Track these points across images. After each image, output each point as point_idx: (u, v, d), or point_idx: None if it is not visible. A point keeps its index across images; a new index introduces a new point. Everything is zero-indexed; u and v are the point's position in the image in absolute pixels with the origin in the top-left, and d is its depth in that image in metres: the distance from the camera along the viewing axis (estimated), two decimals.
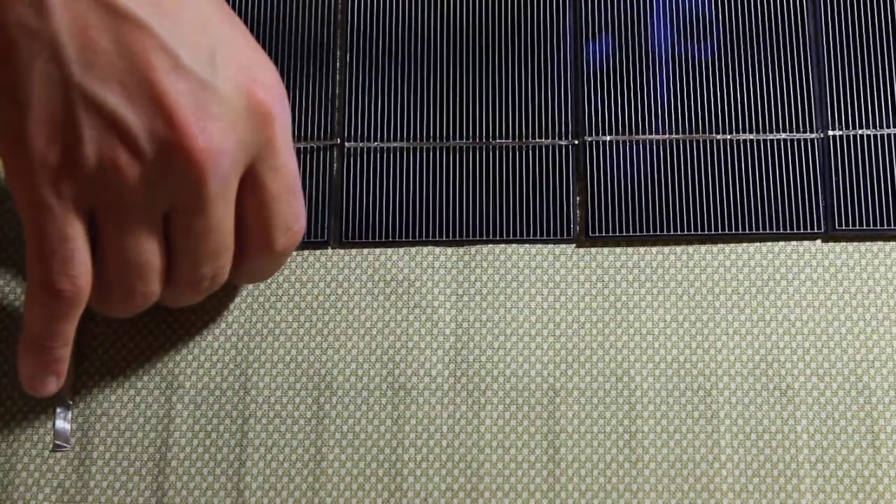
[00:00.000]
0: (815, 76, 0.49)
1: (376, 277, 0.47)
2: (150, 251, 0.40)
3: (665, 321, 0.46)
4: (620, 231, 0.47)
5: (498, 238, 0.47)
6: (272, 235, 0.42)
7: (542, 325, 0.46)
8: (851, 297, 0.46)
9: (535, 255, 0.47)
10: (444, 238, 0.48)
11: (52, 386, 0.42)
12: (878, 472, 0.44)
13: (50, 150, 0.38)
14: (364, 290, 0.47)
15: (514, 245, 0.48)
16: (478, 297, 0.47)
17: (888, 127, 0.48)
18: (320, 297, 0.47)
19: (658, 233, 0.47)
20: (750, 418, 0.45)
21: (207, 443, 0.45)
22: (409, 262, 0.48)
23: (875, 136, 0.48)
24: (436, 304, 0.47)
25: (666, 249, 0.47)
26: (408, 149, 0.48)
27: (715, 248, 0.47)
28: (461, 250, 0.48)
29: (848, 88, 0.48)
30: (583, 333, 0.46)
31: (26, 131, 0.37)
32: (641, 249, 0.47)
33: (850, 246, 0.47)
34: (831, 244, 0.47)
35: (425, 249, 0.48)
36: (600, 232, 0.47)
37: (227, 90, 0.39)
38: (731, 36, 0.49)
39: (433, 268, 0.47)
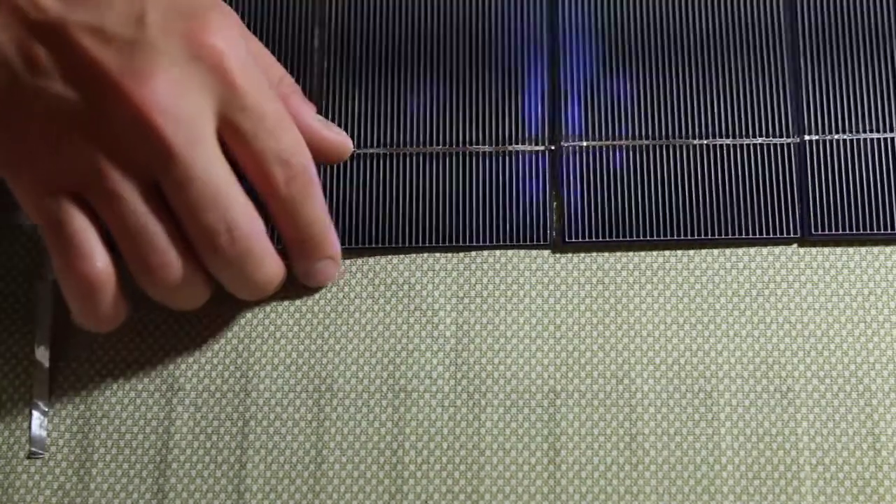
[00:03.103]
0: (790, 81, 0.49)
1: (377, 281, 0.47)
2: (145, 216, 0.41)
3: (665, 324, 0.46)
4: (597, 237, 0.47)
5: (477, 244, 0.47)
6: (267, 173, 0.42)
7: (542, 327, 0.46)
8: (852, 300, 0.46)
9: (535, 258, 0.47)
10: (423, 245, 0.47)
11: (115, 323, 0.44)
12: (879, 474, 0.44)
13: (15, 152, 0.41)
14: (364, 294, 0.47)
15: (514, 249, 0.48)
16: (478, 300, 0.47)
17: (864, 132, 0.48)
18: (321, 301, 0.47)
19: (634, 238, 0.47)
20: (750, 420, 0.45)
21: (208, 445, 0.45)
22: (409, 266, 0.48)
23: (851, 140, 0.48)
24: (436, 307, 0.47)
25: (666, 252, 0.47)
26: (386, 155, 0.49)
27: (715, 251, 0.47)
28: (461, 254, 0.48)
29: (824, 93, 0.48)
30: (583, 336, 0.46)
31: None
32: (642, 252, 0.47)
33: (845, 249, 0.47)
34: (822, 248, 0.47)
35: (425, 254, 0.48)
36: (576, 238, 0.47)
37: (164, 43, 0.40)
38: (706, 40, 0.49)
39: (433, 271, 0.47)
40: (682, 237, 0.47)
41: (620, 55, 0.49)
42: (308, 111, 0.46)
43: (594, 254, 0.47)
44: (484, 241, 0.48)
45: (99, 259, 0.41)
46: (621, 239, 0.47)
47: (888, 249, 0.47)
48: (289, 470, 0.45)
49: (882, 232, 0.46)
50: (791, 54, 0.49)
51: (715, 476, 0.44)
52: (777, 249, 0.47)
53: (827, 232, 0.47)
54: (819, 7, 0.50)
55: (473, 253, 0.48)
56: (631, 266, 0.47)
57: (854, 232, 0.47)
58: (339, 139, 0.46)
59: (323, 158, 0.46)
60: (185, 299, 0.44)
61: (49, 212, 0.41)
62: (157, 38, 0.40)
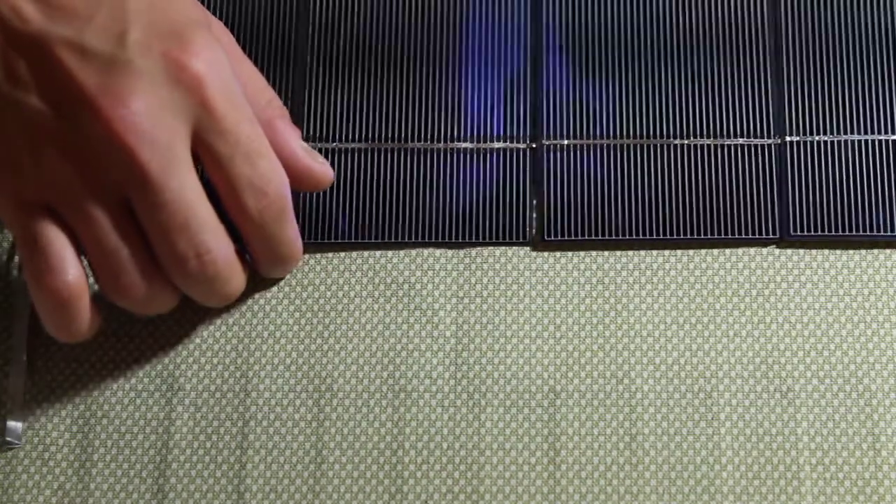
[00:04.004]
0: (773, 82, 0.49)
1: (377, 280, 0.47)
2: (115, 238, 0.41)
3: (665, 323, 0.46)
4: (577, 235, 0.47)
5: (457, 240, 0.47)
6: (241, 199, 0.42)
7: (542, 327, 0.46)
8: (852, 300, 0.46)
9: (535, 258, 0.47)
10: (402, 240, 0.47)
11: (88, 335, 0.43)
12: (879, 474, 0.44)
13: None
14: (364, 294, 0.47)
15: (514, 248, 0.48)
16: (478, 300, 0.47)
17: (845, 133, 0.48)
18: (321, 301, 0.47)
19: (614, 237, 0.47)
20: (750, 420, 0.45)
21: (208, 445, 0.45)
22: (409, 265, 0.48)
23: (832, 141, 0.48)
24: (436, 306, 0.47)
25: (666, 252, 0.47)
26: (367, 150, 0.49)
27: (715, 251, 0.47)
28: (461, 253, 0.48)
29: (805, 94, 0.48)
30: (583, 336, 0.46)
31: None
32: (642, 252, 0.47)
33: (844, 250, 0.47)
34: (822, 248, 0.47)
35: (426, 252, 0.48)
36: (556, 236, 0.47)
37: (144, 63, 0.40)
38: (689, 40, 0.49)
39: (433, 270, 0.47)
40: (662, 236, 0.47)
41: (602, 54, 0.49)
42: (294, 137, 0.45)
43: (594, 253, 0.47)
44: (464, 237, 0.48)
45: (70, 272, 0.41)
46: (601, 238, 0.47)
47: (888, 251, 0.47)
48: (289, 470, 0.45)
49: (861, 234, 0.47)
50: (773, 54, 0.49)
51: (715, 476, 0.44)
52: (777, 250, 0.47)
53: (806, 233, 0.47)
54: (802, 8, 0.50)
55: (473, 252, 0.48)
56: (631, 266, 0.47)
57: (833, 233, 0.47)
58: (322, 169, 0.46)
59: (303, 187, 0.45)
60: (153, 309, 0.44)
61: (23, 223, 0.41)
62: (136, 57, 0.40)
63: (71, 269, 0.41)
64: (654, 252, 0.47)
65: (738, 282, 0.47)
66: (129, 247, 0.41)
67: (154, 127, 0.40)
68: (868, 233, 0.46)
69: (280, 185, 0.43)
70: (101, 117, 0.39)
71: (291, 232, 0.44)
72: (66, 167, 0.40)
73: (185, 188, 0.41)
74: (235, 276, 0.43)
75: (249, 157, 0.42)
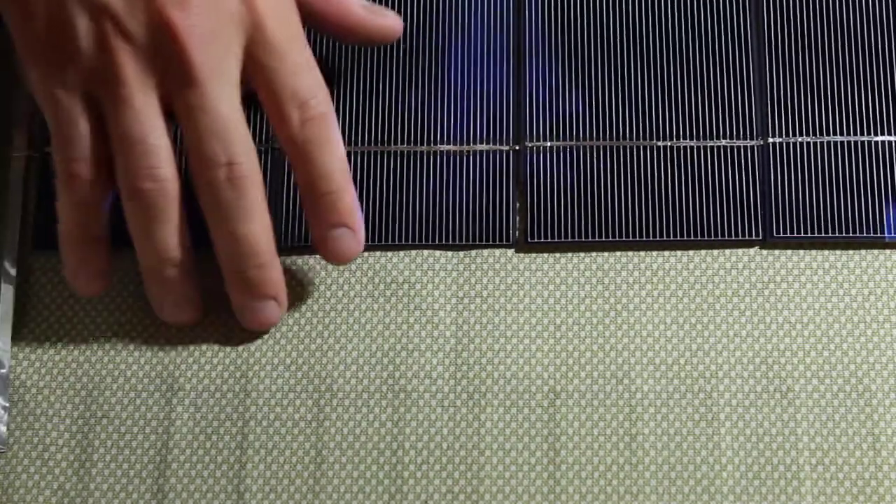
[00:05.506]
0: (755, 83, 0.49)
1: (376, 280, 0.47)
2: (149, 126, 0.42)
3: (665, 323, 0.46)
4: (560, 237, 0.47)
5: (443, 243, 0.48)
6: (284, 110, 0.43)
7: (542, 327, 0.46)
8: (852, 300, 0.46)
9: (534, 258, 0.47)
10: (386, 243, 0.48)
11: (97, 284, 0.45)
12: (879, 474, 0.44)
13: (51, 45, 0.42)
14: (364, 294, 0.47)
15: (513, 249, 0.48)
16: (478, 300, 0.47)
17: (828, 134, 0.48)
18: (321, 301, 0.47)
19: (597, 239, 0.47)
20: (750, 420, 0.45)
21: (208, 445, 0.45)
22: (408, 265, 0.48)
23: (815, 143, 0.48)
24: (436, 306, 0.47)
25: (666, 252, 0.47)
26: (349, 153, 0.49)
27: (715, 252, 0.47)
28: (461, 253, 0.48)
29: (788, 96, 0.48)
30: (583, 336, 0.46)
31: (30, 29, 0.42)
32: (642, 252, 0.47)
33: (844, 250, 0.47)
34: (822, 249, 0.47)
35: (425, 252, 0.48)
36: (540, 238, 0.47)
37: None
38: (671, 42, 0.49)
39: (433, 270, 0.47)
40: (646, 238, 0.47)
41: (585, 55, 0.49)
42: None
43: (593, 254, 0.47)
44: (447, 239, 0.48)
45: (93, 161, 0.43)
46: (585, 240, 0.47)
47: (887, 251, 0.47)
48: (289, 470, 0.45)
49: (844, 235, 0.47)
50: (757, 56, 0.49)
51: (715, 476, 0.44)
52: (777, 251, 0.47)
53: (789, 235, 0.47)
54: (785, 10, 0.50)
55: (473, 253, 0.48)
56: (630, 266, 0.47)
57: (816, 235, 0.47)
58: (387, 23, 0.48)
59: (374, 41, 0.48)
60: (164, 217, 0.43)
61: (56, 99, 0.42)
62: None
63: (95, 156, 0.43)
64: (654, 252, 0.47)
65: (738, 282, 0.47)
66: (158, 139, 0.42)
67: (206, 30, 0.42)
68: (851, 234, 0.47)
69: (324, 102, 0.44)
70: (158, 12, 0.41)
71: (337, 161, 0.44)
72: (118, 52, 0.42)
73: (226, 98, 0.42)
74: (258, 216, 0.43)
75: (295, 71, 0.44)
